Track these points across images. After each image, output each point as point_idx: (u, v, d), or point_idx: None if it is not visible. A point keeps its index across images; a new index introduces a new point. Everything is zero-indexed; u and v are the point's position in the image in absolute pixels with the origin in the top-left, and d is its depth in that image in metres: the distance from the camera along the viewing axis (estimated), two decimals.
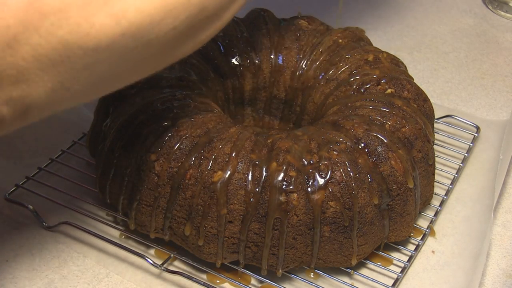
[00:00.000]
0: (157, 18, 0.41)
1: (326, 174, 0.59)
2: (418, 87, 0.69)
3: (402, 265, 0.64)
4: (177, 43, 0.45)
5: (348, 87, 0.68)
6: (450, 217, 0.70)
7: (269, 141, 0.61)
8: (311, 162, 0.59)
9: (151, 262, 0.62)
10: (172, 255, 0.64)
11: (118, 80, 0.46)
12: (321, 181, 0.59)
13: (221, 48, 0.72)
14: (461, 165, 0.74)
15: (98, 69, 0.41)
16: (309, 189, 0.59)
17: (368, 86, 0.68)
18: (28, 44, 0.38)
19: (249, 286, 0.62)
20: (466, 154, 0.76)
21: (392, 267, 0.64)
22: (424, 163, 0.65)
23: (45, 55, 0.38)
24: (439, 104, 0.84)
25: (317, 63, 0.72)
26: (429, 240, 0.68)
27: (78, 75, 0.40)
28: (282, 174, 0.58)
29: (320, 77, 0.71)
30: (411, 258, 0.65)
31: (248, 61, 0.73)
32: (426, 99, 0.69)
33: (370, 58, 0.70)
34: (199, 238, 0.60)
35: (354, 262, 0.62)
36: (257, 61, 0.74)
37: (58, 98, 0.41)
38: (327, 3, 1.03)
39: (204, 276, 0.63)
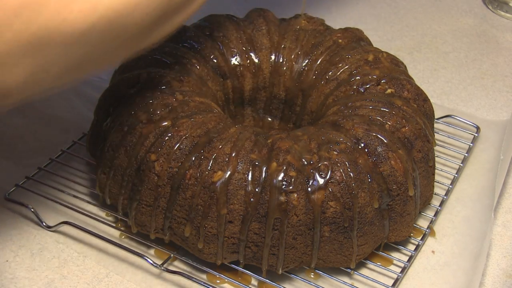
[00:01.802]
0: (132, 3, 0.43)
1: (326, 174, 0.59)
2: (418, 87, 0.69)
3: (402, 265, 0.64)
4: (152, 27, 0.47)
5: (348, 87, 0.68)
6: (450, 217, 0.70)
7: (269, 141, 0.61)
8: (311, 162, 0.59)
9: (151, 262, 0.62)
10: (172, 255, 0.64)
11: (96, 63, 0.47)
12: (321, 181, 0.59)
13: (221, 48, 0.72)
14: (461, 165, 0.74)
15: (76, 53, 0.43)
16: (309, 189, 0.59)
17: (368, 86, 0.68)
18: (10, 30, 0.39)
19: (249, 286, 0.62)
20: (466, 154, 0.76)
21: (392, 267, 0.64)
22: (424, 163, 0.65)
23: (26, 40, 0.40)
24: (439, 104, 0.84)
25: (317, 63, 0.72)
26: (429, 240, 0.68)
27: (57, 59, 0.42)
28: (282, 174, 0.58)
29: (320, 77, 0.71)
30: (411, 258, 0.65)
31: (248, 61, 0.73)
32: (426, 99, 0.69)
33: (370, 58, 0.70)
34: (199, 241, 0.60)
35: (353, 265, 0.62)
36: (257, 61, 0.74)
37: (37, 81, 0.43)
38: (327, 3, 1.03)
39: (204, 276, 0.63)
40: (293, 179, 0.58)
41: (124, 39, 0.46)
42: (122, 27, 0.44)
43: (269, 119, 0.76)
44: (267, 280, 0.62)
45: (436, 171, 0.68)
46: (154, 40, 0.50)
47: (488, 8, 1.04)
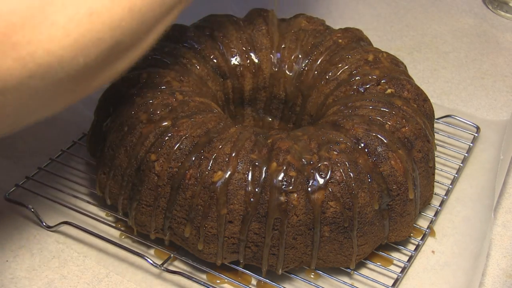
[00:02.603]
0: (67, 57, 0.41)
1: (326, 174, 0.59)
2: (418, 87, 0.69)
3: (402, 265, 0.64)
4: (90, 77, 0.45)
5: (348, 87, 0.68)
6: (450, 217, 0.70)
7: (269, 141, 0.61)
8: (311, 162, 0.59)
9: (151, 262, 0.62)
10: (172, 255, 0.64)
11: (33, 115, 0.45)
12: (321, 181, 0.59)
13: (221, 48, 0.72)
14: (461, 165, 0.74)
15: (7, 109, 0.41)
16: (309, 189, 0.59)
17: (368, 86, 0.68)
18: None
19: (249, 286, 0.62)
20: (466, 154, 0.76)
21: (392, 267, 0.64)
22: (424, 163, 0.65)
23: None
24: (439, 104, 0.84)
25: (317, 63, 0.72)
26: (429, 240, 0.68)
27: None
28: (282, 174, 0.58)
29: (320, 77, 0.71)
30: (411, 258, 0.65)
31: (248, 61, 0.73)
32: (426, 99, 0.69)
33: (370, 58, 0.70)
34: (199, 242, 0.60)
35: (353, 265, 0.62)
36: (257, 61, 0.74)
37: None
38: (327, 3, 1.03)
39: (204, 276, 0.63)
40: (293, 179, 0.58)
41: (61, 90, 0.44)
42: (56, 80, 0.42)
43: (269, 119, 0.76)
44: (267, 280, 0.62)
45: (436, 171, 0.68)
46: (97, 85, 0.47)
47: (488, 8, 1.04)
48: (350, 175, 0.59)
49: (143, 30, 0.47)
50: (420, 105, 0.68)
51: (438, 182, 0.71)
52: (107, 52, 0.44)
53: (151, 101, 0.63)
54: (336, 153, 0.60)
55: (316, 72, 0.72)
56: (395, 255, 0.65)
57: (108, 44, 0.43)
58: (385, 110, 0.64)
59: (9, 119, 0.43)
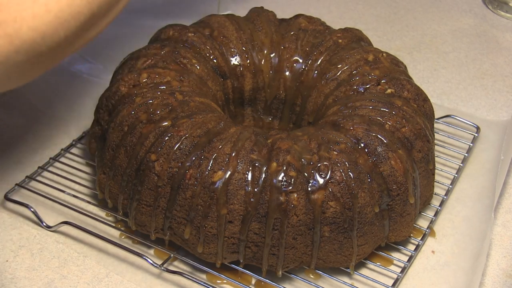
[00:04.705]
0: (49, 32, 0.44)
1: (326, 174, 0.59)
2: (418, 87, 0.69)
3: (402, 265, 0.64)
4: (67, 46, 0.48)
5: (348, 87, 0.68)
6: (450, 217, 0.70)
7: (269, 141, 0.61)
8: (311, 162, 0.59)
9: (151, 262, 0.62)
10: (172, 255, 0.64)
11: (12, 84, 0.48)
12: (321, 181, 0.59)
13: (221, 48, 0.72)
14: (461, 165, 0.74)
15: (4, 73, 0.44)
16: (309, 189, 0.59)
17: (368, 86, 0.68)
18: None
19: (249, 286, 0.62)
20: (466, 154, 0.76)
21: (392, 267, 0.64)
22: (424, 163, 0.65)
23: None
24: (439, 104, 0.84)
25: (317, 63, 0.72)
26: (429, 240, 0.68)
27: None
28: (282, 174, 0.58)
29: (320, 77, 0.71)
30: (411, 258, 0.65)
31: (248, 61, 0.73)
32: (426, 99, 0.69)
33: (370, 58, 0.70)
34: (199, 243, 0.60)
35: (353, 266, 0.62)
36: (257, 61, 0.74)
37: None
38: (327, 3, 1.03)
39: (204, 276, 0.63)
40: (293, 179, 0.58)
41: (40, 61, 0.47)
42: (38, 54, 0.45)
43: (269, 119, 0.76)
44: (267, 280, 0.62)
45: (436, 171, 0.68)
46: (70, 53, 0.50)
47: (488, 8, 1.04)
48: (350, 175, 0.59)
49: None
50: (420, 105, 0.68)
51: (438, 182, 0.71)
52: (84, 23, 0.46)
53: (151, 101, 0.63)
54: (336, 153, 0.60)
55: (316, 72, 0.72)
56: (395, 255, 0.65)
57: (86, 16, 0.46)
58: (385, 110, 0.64)
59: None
